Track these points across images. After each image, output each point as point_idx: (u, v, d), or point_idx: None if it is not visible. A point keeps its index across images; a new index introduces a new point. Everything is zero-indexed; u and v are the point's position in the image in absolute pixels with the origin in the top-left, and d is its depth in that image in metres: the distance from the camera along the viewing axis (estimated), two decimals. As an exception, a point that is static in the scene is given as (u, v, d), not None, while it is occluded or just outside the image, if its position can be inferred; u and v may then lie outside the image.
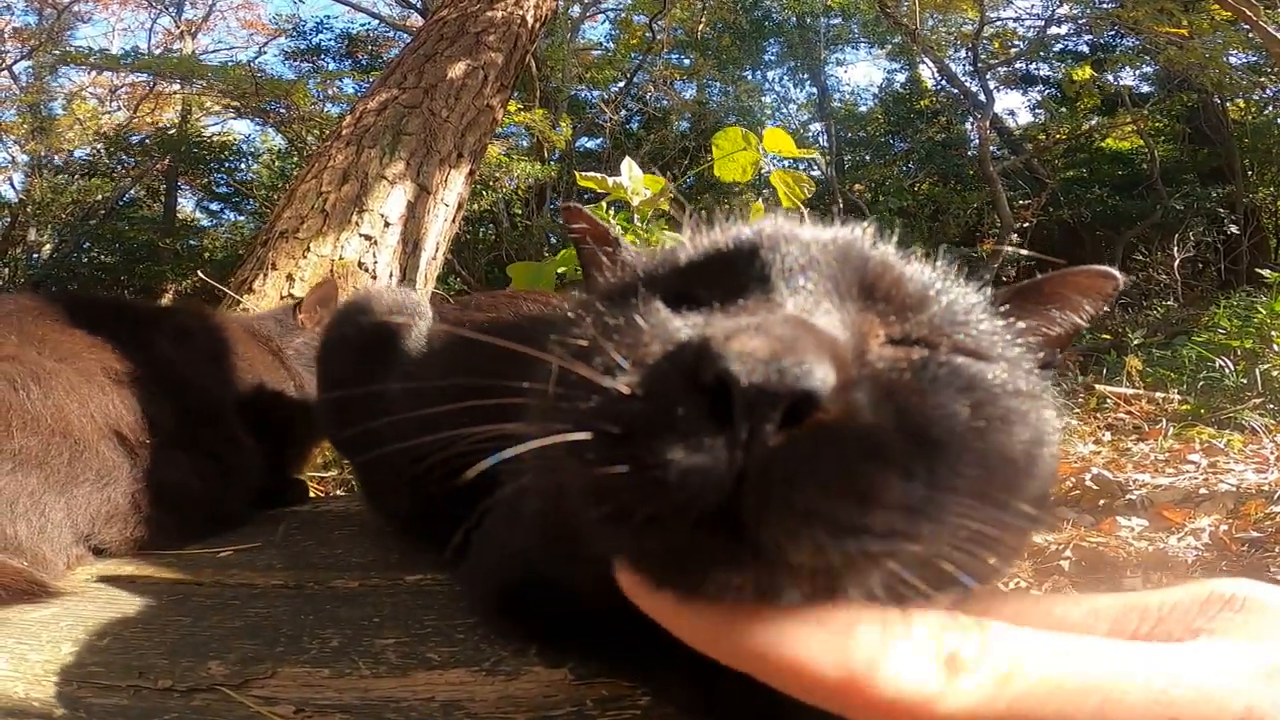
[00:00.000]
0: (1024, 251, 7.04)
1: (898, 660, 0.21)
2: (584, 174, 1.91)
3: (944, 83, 11.29)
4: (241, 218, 10.68)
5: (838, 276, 0.29)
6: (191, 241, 10.14)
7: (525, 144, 10.15)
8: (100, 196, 9.30)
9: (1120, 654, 0.23)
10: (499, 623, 0.57)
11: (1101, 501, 1.82)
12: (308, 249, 3.14)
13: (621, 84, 11.48)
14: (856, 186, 11.39)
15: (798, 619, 0.22)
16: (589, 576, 0.39)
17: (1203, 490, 1.80)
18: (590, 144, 11.77)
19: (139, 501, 0.75)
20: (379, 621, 0.63)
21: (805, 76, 12.53)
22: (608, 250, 0.41)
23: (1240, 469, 1.99)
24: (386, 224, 3.28)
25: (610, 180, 1.87)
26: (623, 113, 11.39)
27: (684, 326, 0.27)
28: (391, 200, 3.34)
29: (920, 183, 11.17)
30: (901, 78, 12.15)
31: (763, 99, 12.26)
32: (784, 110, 12.68)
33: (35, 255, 9.44)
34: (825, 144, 11.69)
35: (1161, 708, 0.21)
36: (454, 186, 3.62)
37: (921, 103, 11.57)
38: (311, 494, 1.30)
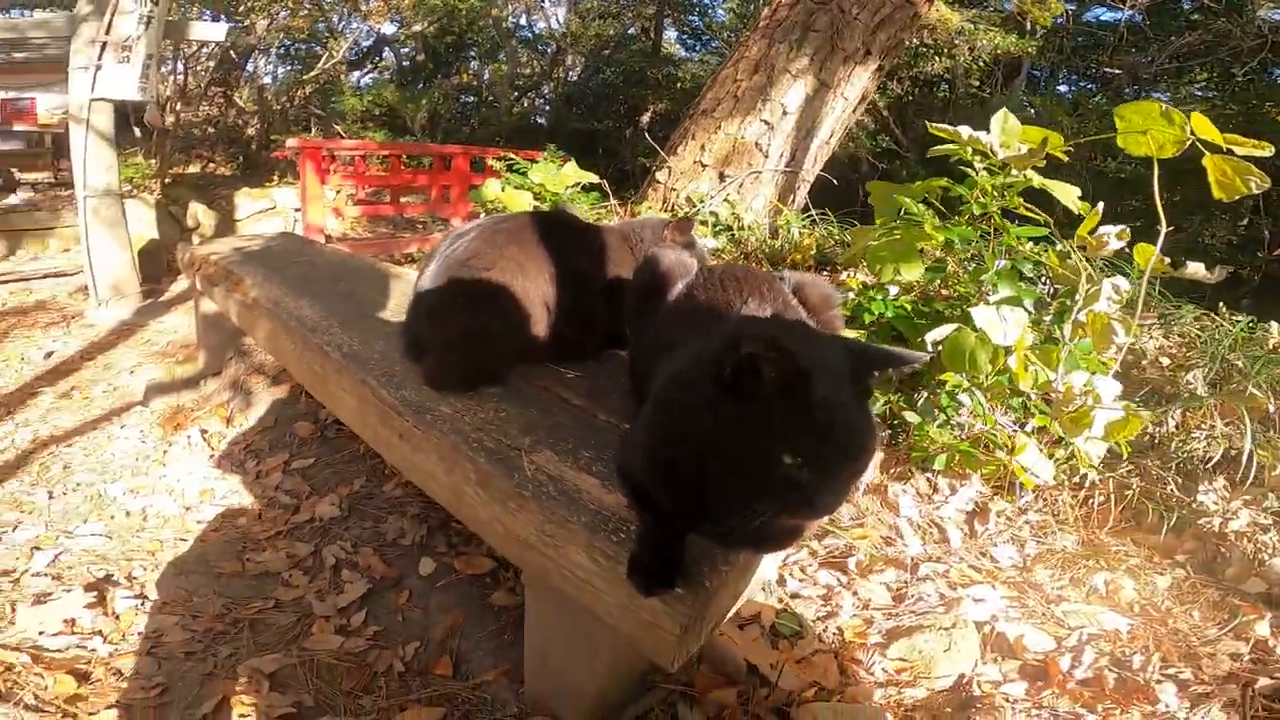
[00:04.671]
0: None
1: None
2: (936, 124, 1.84)
3: None
4: (709, 54, 12.06)
5: None
6: (670, 70, 11.86)
7: (1010, 7, 8.52)
8: (612, 31, 11.52)
9: None
10: (618, 470, 0.98)
11: None
12: (719, 127, 3.73)
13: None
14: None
15: None
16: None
17: None
18: (1107, 16, 9.16)
19: (550, 341, 1.37)
20: (593, 443, 1.13)
21: None
22: None
23: None
24: (784, 112, 3.63)
25: (965, 133, 1.80)
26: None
27: None
28: (792, 92, 3.63)
29: None
30: None
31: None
32: None
33: (570, 74, 12.44)
34: None
35: None
36: (857, 82, 3.69)
37: None
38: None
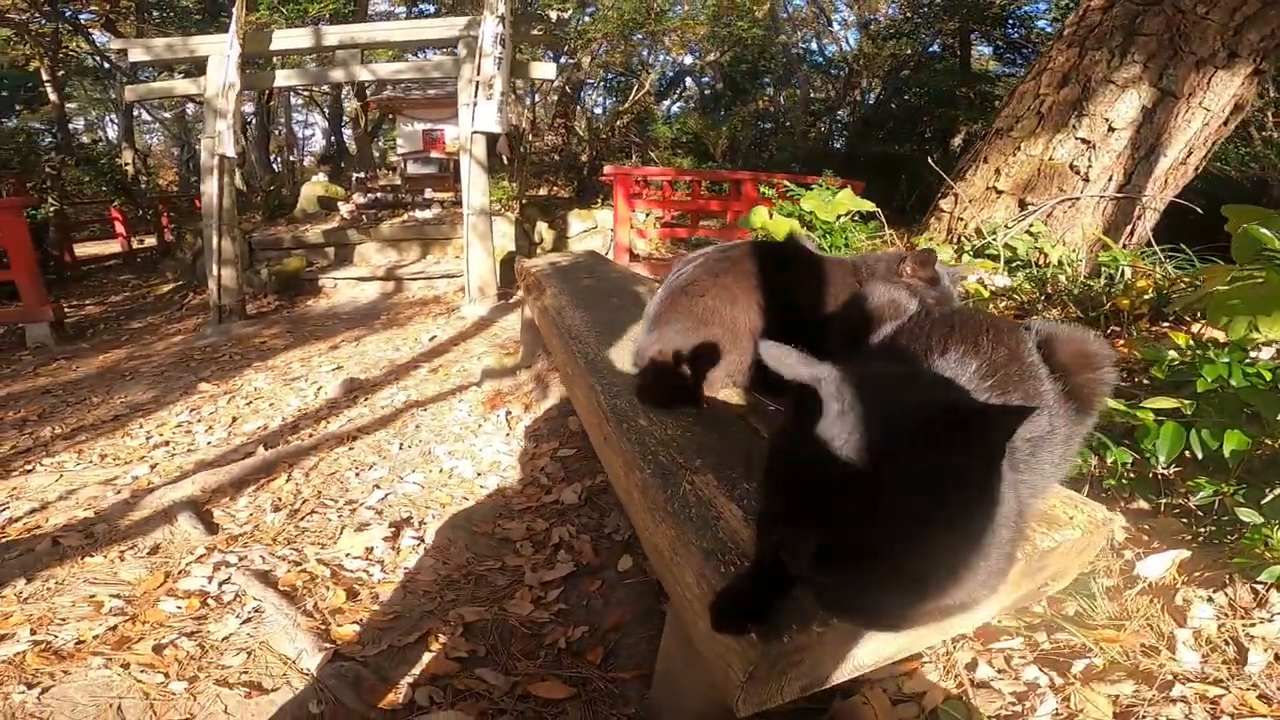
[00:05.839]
0: None
1: None
2: None
3: None
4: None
5: None
6: (984, 88, 10.69)
7: None
8: (909, 51, 10.83)
9: None
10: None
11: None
12: (1018, 147, 3.31)
13: None
14: None
15: None
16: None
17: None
18: None
19: (754, 368, 1.40)
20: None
21: None
22: None
23: None
24: (1110, 128, 3.07)
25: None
26: None
27: None
28: (1120, 105, 3.05)
29: None
30: None
31: None
32: None
33: (868, 95, 12.02)
34: None
35: None
36: (1221, 89, 2.94)
37: None
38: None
